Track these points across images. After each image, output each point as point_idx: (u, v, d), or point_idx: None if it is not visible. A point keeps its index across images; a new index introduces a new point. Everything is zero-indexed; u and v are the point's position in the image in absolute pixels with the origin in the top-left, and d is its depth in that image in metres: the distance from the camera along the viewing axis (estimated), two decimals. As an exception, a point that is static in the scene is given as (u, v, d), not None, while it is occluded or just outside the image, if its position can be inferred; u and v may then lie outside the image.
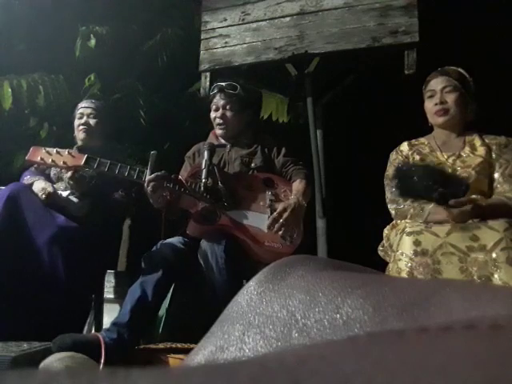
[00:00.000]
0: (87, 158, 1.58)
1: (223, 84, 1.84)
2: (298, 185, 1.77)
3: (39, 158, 1.56)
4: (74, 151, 1.63)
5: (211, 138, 1.91)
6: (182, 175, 1.78)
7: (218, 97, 1.83)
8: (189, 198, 1.62)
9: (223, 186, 1.64)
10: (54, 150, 1.59)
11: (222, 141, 1.87)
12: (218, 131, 1.86)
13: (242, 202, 1.68)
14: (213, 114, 1.86)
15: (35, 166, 1.87)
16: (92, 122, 1.99)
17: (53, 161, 1.56)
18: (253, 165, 1.80)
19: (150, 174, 1.53)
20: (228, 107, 1.82)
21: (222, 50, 2.72)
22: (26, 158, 1.58)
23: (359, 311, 0.25)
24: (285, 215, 1.63)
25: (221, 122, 1.83)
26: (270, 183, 1.77)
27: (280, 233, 1.62)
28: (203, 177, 1.57)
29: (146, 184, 1.54)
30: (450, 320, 0.22)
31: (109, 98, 3.28)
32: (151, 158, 1.56)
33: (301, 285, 0.30)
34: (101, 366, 1.34)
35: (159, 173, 1.54)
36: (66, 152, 1.59)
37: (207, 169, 1.59)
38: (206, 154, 1.65)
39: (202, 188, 1.56)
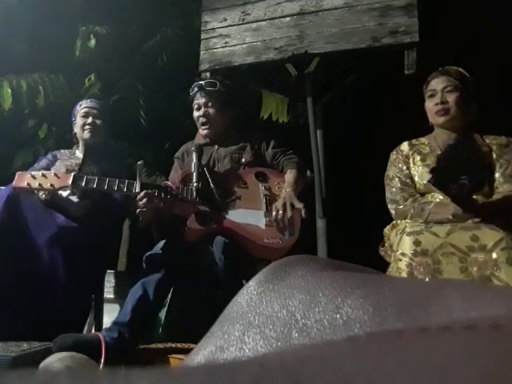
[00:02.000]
0: (74, 177, 1.56)
1: (202, 82, 1.82)
2: (288, 176, 1.77)
3: (26, 184, 1.54)
4: (60, 172, 1.62)
5: (198, 138, 1.89)
6: (173, 177, 1.78)
7: (198, 95, 1.82)
8: (182, 203, 1.62)
9: (215, 187, 1.63)
10: (40, 173, 1.58)
11: (208, 139, 1.86)
12: (203, 131, 1.85)
13: (237, 201, 1.67)
14: (196, 114, 1.85)
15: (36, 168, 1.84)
16: (98, 122, 2.00)
17: (39, 184, 1.55)
18: (243, 160, 1.79)
19: (140, 185, 1.52)
20: (210, 104, 1.81)
21: (222, 49, 2.72)
22: (13, 184, 1.56)
23: (359, 311, 0.25)
24: (282, 208, 1.62)
25: (204, 120, 1.82)
26: (263, 177, 1.76)
27: (282, 225, 1.61)
28: (194, 180, 1.56)
29: (136, 201, 1.53)
30: (449, 320, 0.22)
31: (109, 98, 3.27)
32: (138, 169, 1.54)
33: (301, 285, 0.30)
34: (101, 365, 1.34)
35: (149, 191, 1.52)
36: (51, 174, 1.57)
37: (197, 171, 1.58)
38: (194, 156, 1.64)
39: (195, 192, 1.55)
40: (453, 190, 1.32)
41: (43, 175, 1.56)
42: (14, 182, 1.56)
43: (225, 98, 1.82)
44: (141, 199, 1.51)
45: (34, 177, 1.56)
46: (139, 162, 1.55)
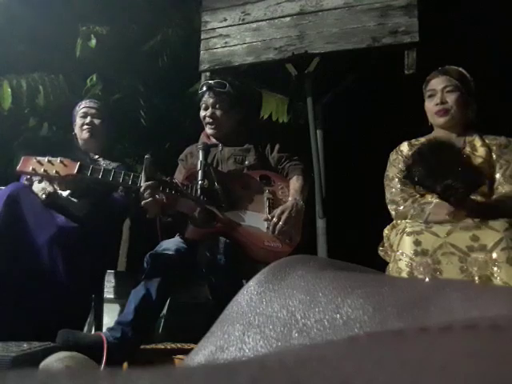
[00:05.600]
0: (80, 165, 1.54)
1: (212, 82, 1.82)
2: (294, 183, 1.76)
3: (31, 169, 1.51)
4: (67, 160, 1.59)
5: (203, 139, 1.88)
6: (177, 178, 1.77)
7: (206, 95, 1.81)
8: (186, 200, 1.61)
9: (220, 187, 1.62)
10: (46, 159, 1.55)
11: (214, 140, 1.86)
12: (209, 131, 1.84)
13: (240, 202, 1.67)
14: (202, 113, 1.84)
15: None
16: (96, 122, 2.00)
17: (45, 171, 1.52)
18: (246, 162, 1.79)
19: (145, 179, 1.50)
20: (217, 106, 1.80)
21: (222, 50, 2.72)
22: (17, 168, 1.53)
23: (359, 311, 0.25)
24: (283, 217, 1.62)
25: (210, 121, 1.81)
26: (267, 181, 1.76)
27: (280, 234, 1.62)
28: (199, 178, 1.55)
29: (140, 193, 1.51)
30: (449, 320, 0.22)
31: (109, 98, 3.27)
32: (145, 163, 1.52)
33: (301, 285, 0.30)
34: (102, 365, 1.34)
35: (153, 182, 1.50)
36: (57, 161, 1.55)
37: (203, 170, 1.57)
38: (200, 154, 1.63)
39: (199, 190, 1.54)
40: (437, 190, 1.33)
41: (49, 161, 1.54)
42: (18, 166, 1.53)
43: (233, 99, 1.81)
44: (144, 190, 1.50)
45: (39, 162, 1.53)
46: (146, 156, 1.53)
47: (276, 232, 1.61)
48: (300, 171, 1.80)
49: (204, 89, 1.82)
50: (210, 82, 1.83)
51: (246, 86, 2.03)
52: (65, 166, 1.55)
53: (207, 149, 1.69)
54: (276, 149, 1.84)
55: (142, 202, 1.50)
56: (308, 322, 0.26)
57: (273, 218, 1.63)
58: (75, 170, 1.54)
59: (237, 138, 1.84)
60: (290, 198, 1.71)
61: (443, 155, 1.36)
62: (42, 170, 1.53)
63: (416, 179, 1.37)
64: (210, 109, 1.81)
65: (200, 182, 1.54)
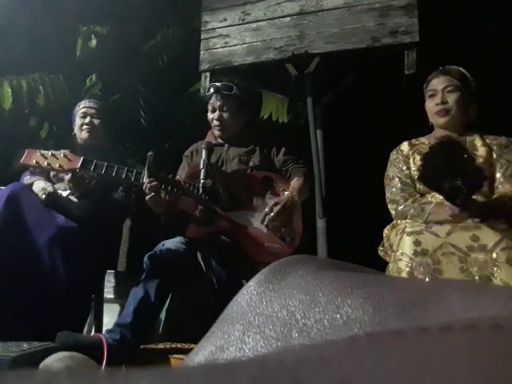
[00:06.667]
0: (83, 160, 1.54)
1: (219, 84, 1.82)
2: (295, 182, 1.77)
3: (34, 162, 1.51)
4: (70, 154, 1.58)
5: (209, 137, 1.89)
6: (180, 174, 1.77)
7: (214, 98, 1.81)
8: (188, 199, 1.61)
9: (222, 187, 1.63)
10: (50, 152, 1.54)
11: (220, 140, 1.87)
12: (216, 132, 1.85)
13: (241, 202, 1.67)
14: (210, 115, 1.85)
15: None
16: (96, 121, 2.00)
17: (48, 164, 1.52)
18: (251, 163, 1.79)
19: (148, 176, 1.50)
20: (225, 108, 1.80)
21: (222, 50, 2.72)
22: (21, 161, 1.53)
23: (359, 311, 0.25)
24: (276, 209, 1.63)
25: (218, 123, 1.81)
26: (269, 181, 1.76)
27: (272, 228, 1.62)
28: (202, 177, 1.56)
29: (144, 189, 1.51)
30: (449, 320, 0.22)
31: (109, 98, 3.28)
32: (148, 159, 1.52)
33: (301, 285, 0.30)
34: (103, 367, 1.33)
35: (155, 181, 1.50)
36: (61, 154, 1.55)
37: (205, 169, 1.57)
38: (203, 153, 1.63)
39: (201, 189, 1.54)
40: (445, 190, 1.31)
41: (53, 155, 1.54)
42: (22, 159, 1.52)
43: (239, 101, 1.82)
44: (146, 189, 1.50)
45: (43, 155, 1.53)
46: (150, 153, 1.52)
47: (266, 222, 1.61)
48: (302, 173, 1.80)
49: (211, 91, 1.82)
50: (217, 84, 1.82)
51: (251, 88, 2.03)
52: (68, 159, 1.55)
53: (211, 148, 1.69)
54: (282, 151, 1.85)
55: (146, 198, 1.51)
56: (308, 322, 0.26)
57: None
58: (78, 164, 1.54)
59: (243, 139, 1.85)
60: (286, 192, 1.72)
61: (452, 154, 1.33)
62: (46, 163, 1.53)
63: (423, 178, 1.36)
64: (218, 111, 1.81)
65: (202, 182, 1.55)
